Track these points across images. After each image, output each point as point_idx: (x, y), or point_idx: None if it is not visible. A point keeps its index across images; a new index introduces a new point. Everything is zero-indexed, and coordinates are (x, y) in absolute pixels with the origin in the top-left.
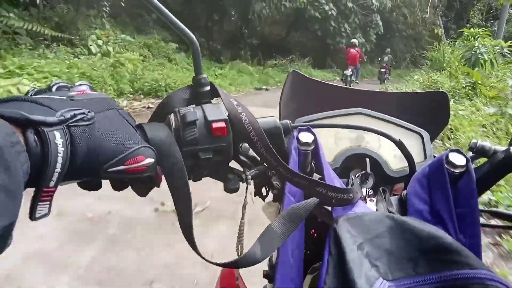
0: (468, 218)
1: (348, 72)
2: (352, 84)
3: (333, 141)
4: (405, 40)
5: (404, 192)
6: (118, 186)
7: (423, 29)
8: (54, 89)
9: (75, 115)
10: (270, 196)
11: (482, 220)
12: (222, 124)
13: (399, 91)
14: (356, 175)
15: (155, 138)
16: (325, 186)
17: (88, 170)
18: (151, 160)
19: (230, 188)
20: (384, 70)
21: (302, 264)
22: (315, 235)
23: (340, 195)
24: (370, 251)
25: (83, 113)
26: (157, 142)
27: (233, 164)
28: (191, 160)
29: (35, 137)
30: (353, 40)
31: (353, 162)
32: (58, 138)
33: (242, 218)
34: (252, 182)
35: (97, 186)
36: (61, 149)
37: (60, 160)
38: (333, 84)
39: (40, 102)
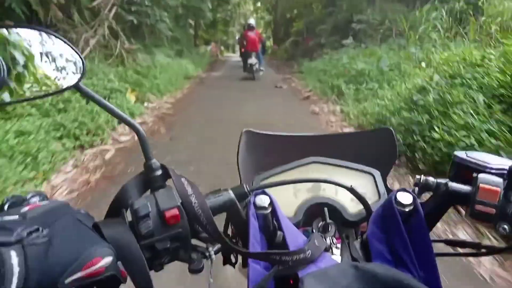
0: (424, 253)
1: (252, 60)
2: (259, 73)
3: (292, 194)
4: None
5: (365, 235)
6: None
7: None
8: (6, 207)
9: (31, 233)
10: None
11: (439, 247)
12: (175, 212)
13: (348, 132)
14: (318, 226)
15: (112, 235)
16: (277, 253)
17: (46, 285)
18: (109, 258)
19: (195, 270)
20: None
21: None
22: None
23: (295, 257)
24: None
25: (38, 230)
26: (114, 239)
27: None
28: (150, 252)
29: None
30: (250, 21)
31: (315, 210)
32: (13, 257)
33: None
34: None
35: None
36: (16, 268)
37: (15, 280)
38: (285, 134)
39: None
